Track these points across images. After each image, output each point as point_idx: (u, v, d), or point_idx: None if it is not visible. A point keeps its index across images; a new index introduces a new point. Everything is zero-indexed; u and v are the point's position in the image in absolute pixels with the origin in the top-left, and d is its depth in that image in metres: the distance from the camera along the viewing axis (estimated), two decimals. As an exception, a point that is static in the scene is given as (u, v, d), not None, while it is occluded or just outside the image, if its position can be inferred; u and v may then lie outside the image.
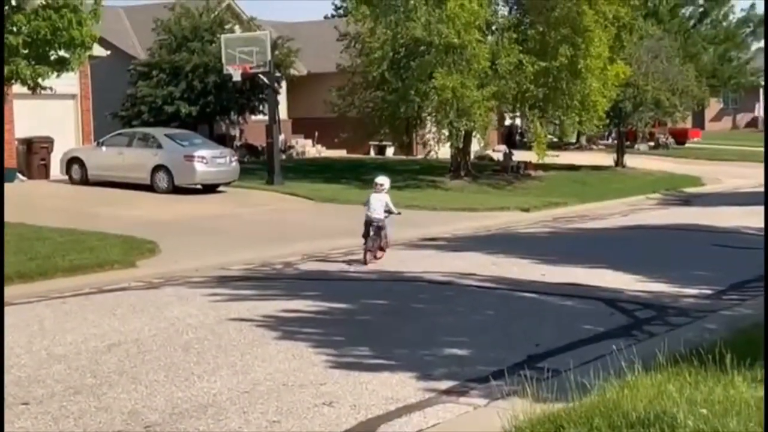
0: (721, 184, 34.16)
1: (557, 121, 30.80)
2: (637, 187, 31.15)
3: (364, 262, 14.99)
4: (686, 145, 54.21)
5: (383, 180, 15.78)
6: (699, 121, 69.41)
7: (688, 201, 28.26)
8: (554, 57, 28.36)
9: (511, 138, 46.34)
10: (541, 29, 29.35)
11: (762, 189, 31.73)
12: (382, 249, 15.52)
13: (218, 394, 7.73)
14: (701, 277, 13.53)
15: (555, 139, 37.85)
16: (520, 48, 28.60)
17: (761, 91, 71.41)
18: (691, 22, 55.13)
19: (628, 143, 44.42)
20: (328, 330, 10.13)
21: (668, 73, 37.83)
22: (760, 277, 13.39)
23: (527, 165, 34.02)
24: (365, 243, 15.16)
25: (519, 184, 31.24)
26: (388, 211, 15.48)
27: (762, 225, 19.51)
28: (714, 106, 70.66)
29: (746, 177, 36.74)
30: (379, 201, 15.40)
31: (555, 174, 33.87)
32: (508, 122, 47.83)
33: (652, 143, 50.82)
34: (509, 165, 34.28)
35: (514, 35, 29.11)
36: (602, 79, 29.55)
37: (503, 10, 31.72)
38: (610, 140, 50.45)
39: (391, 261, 15.42)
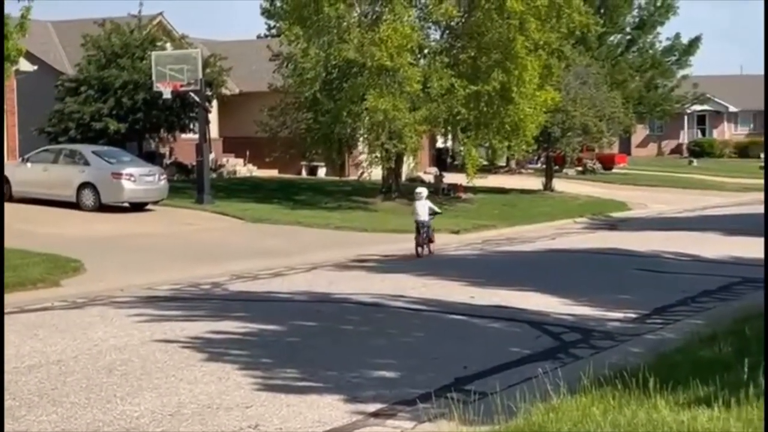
0: (645, 209, 34.81)
1: (487, 145, 31.10)
2: (564, 211, 31.59)
3: (417, 255, 19.34)
4: (613, 170, 55.14)
5: (421, 190, 20.86)
6: (625, 147, 70.77)
7: (613, 225, 28.74)
8: (486, 81, 28.69)
9: (442, 160, 46.68)
10: (472, 54, 29.70)
11: (683, 214, 32.51)
12: (431, 241, 19.81)
13: (141, 416, 7.58)
14: (626, 301, 13.73)
15: (485, 162, 38.23)
16: (452, 72, 28.89)
17: (685, 118, 73.26)
18: (619, 50, 56.25)
19: (556, 167, 45.06)
20: (256, 352, 10.03)
21: (596, 100, 38.58)
22: (682, 302, 13.71)
23: (458, 187, 34.29)
24: (417, 239, 19.60)
25: (449, 206, 31.39)
26: (433, 213, 20.09)
27: (678, 250, 20.04)
28: (640, 132, 72.25)
29: (670, 203, 37.59)
30: (423, 206, 19.91)
31: (485, 197, 34.20)
32: (439, 144, 48.20)
33: (579, 168, 51.62)
34: (440, 187, 34.50)
35: (446, 59, 29.41)
36: (532, 105, 29.96)
37: (435, 34, 32.05)
38: (539, 164, 51.08)
39: (320, 282, 15.38)
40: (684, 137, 76.24)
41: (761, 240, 22.27)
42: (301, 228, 23.95)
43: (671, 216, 32.44)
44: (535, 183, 40.77)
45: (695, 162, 65.48)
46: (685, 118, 73.71)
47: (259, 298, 13.98)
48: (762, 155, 67.95)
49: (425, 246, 19.68)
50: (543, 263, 19.04)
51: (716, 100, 73.62)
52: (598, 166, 52.78)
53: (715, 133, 77.07)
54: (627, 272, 17.27)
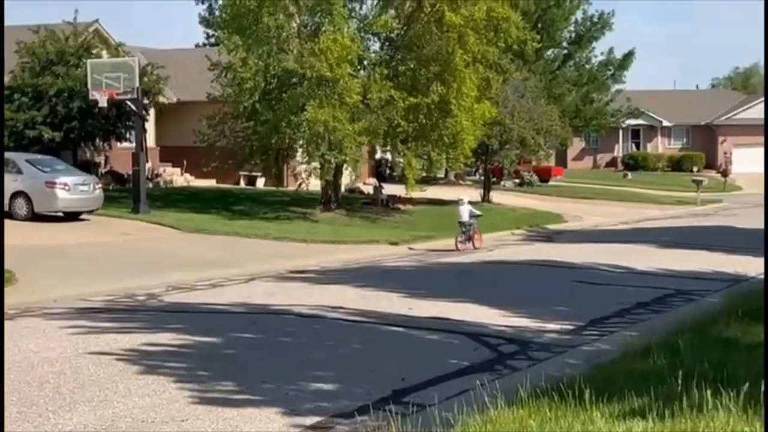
0: (581, 222, 35.29)
1: (426, 156, 31.26)
2: (502, 223, 31.83)
3: (457, 249, 23.63)
4: (549, 182, 55.84)
5: (463, 197, 25.60)
6: (562, 160, 71.70)
7: (550, 237, 29.06)
8: (425, 94, 28.84)
9: (381, 171, 46.78)
10: (412, 66, 29.84)
11: (619, 227, 33.00)
12: (471, 240, 24.14)
13: (74, 430, 7.43)
14: (563, 313, 13.86)
15: (425, 174, 38.42)
16: (392, 84, 28.97)
17: (620, 132, 74.42)
18: (556, 64, 57.00)
19: (494, 179, 45.47)
20: (192, 364, 9.91)
21: (533, 113, 39.05)
22: (618, 314, 13.89)
23: (397, 199, 34.38)
24: (457, 238, 24.00)
25: (389, 218, 31.52)
26: (474, 216, 24.61)
27: (614, 262, 20.33)
28: (576, 145, 73.23)
29: (606, 215, 38.16)
30: (466, 210, 24.46)
31: (424, 208, 34.35)
32: (379, 156, 48.30)
33: (517, 180, 52.14)
34: (379, 198, 34.59)
35: (386, 71, 29.48)
36: (470, 117, 30.17)
37: (375, 46, 32.14)
38: (477, 176, 51.51)
39: (258, 293, 15.28)
40: (619, 150, 77.49)
41: (694, 252, 22.87)
42: (239, 238, 23.77)
43: (607, 228, 32.91)
44: (474, 195, 40.98)
45: (630, 175, 66.60)
46: (620, 131, 74.89)
47: (195, 309, 13.82)
48: (695, 168, 69.36)
49: (466, 242, 24.16)
50: (481, 275, 19.15)
51: (650, 114, 75.00)
52: (535, 178, 53.38)
53: (649, 147, 78.45)
54: (564, 284, 17.45)
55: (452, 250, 23.68)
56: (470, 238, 24.28)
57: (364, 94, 28.32)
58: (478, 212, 25.30)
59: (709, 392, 6.90)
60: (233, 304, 14.24)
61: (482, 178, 43.98)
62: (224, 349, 10.88)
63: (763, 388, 6.77)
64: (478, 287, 16.78)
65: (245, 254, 21.12)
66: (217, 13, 33.35)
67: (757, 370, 7.85)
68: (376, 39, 31.65)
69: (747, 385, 6.88)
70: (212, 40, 49.61)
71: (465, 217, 24.43)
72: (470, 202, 25.61)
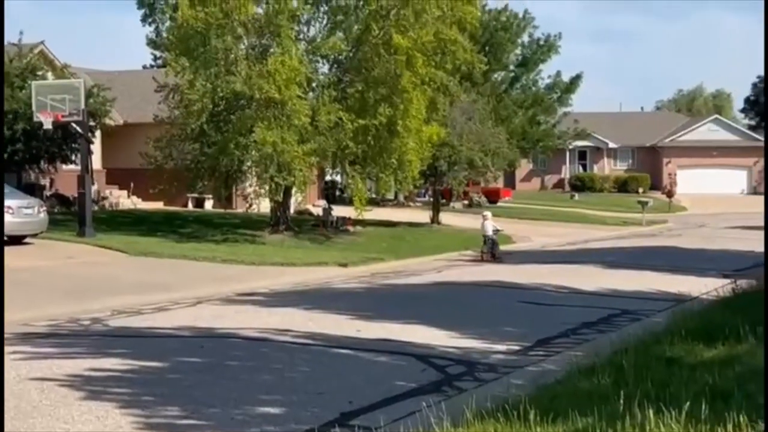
0: (529, 243, 35.58)
1: (375, 178, 31.36)
2: (451, 244, 32.00)
3: (481, 259, 27.39)
4: (498, 203, 56.29)
5: (487, 213, 29.58)
6: (510, 181, 72.42)
7: (499, 258, 29.13)
8: (373, 115, 28.95)
9: (331, 193, 46.77)
10: (360, 88, 29.93)
11: (566, 247, 33.31)
12: (492, 251, 27.67)
13: (14, 460, 7.30)
14: (510, 333, 13.95)
15: (374, 195, 38.60)
16: (340, 105, 29.05)
17: (567, 153, 75.33)
18: (503, 87, 57.64)
19: (443, 201, 45.76)
20: (137, 389, 9.78)
21: (481, 135, 39.38)
22: (563, 334, 14.01)
23: (346, 220, 34.38)
24: (482, 249, 27.88)
25: (338, 240, 31.50)
26: (496, 230, 28.29)
27: (561, 282, 20.52)
28: (524, 167, 74.10)
29: (553, 235, 38.52)
30: (490, 224, 28.03)
31: (373, 230, 34.38)
32: (328, 177, 48.31)
33: (466, 201, 52.52)
34: (328, 220, 34.57)
35: (334, 93, 29.56)
36: (418, 139, 30.34)
37: (324, 68, 32.20)
38: (426, 197, 51.76)
39: (205, 316, 15.16)
40: (566, 172, 78.43)
41: (639, 273, 23.17)
42: (186, 261, 23.57)
43: (554, 249, 33.22)
44: (423, 216, 41.23)
45: (577, 196, 67.42)
46: (567, 153, 75.86)
47: (141, 334, 13.67)
48: (641, 189, 70.39)
49: (489, 253, 27.62)
50: (430, 296, 19.20)
51: (596, 136, 76.03)
52: (483, 199, 53.84)
53: (596, 168, 79.56)
54: (511, 304, 17.57)
55: (401, 271, 23.73)
56: (492, 250, 27.76)
57: (312, 115, 28.35)
58: (499, 227, 29.23)
59: (651, 411, 6.99)
60: (180, 327, 14.11)
61: (431, 199, 44.17)
62: (170, 374, 10.76)
63: (704, 406, 6.88)
64: (426, 308, 16.81)
65: (192, 277, 20.95)
66: (164, 34, 33.14)
67: (699, 389, 7.99)
68: (324, 61, 31.73)
69: (688, 404, 6.98)
70: (159, 61, 49.32)
71: (489, 231, 28.04)
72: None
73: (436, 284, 21.29)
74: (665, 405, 7.14)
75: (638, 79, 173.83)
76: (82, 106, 27.22)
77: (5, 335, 12.59)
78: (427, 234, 35.77)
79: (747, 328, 10.77)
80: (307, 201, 34.15)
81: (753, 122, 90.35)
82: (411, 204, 52.48)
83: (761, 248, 30.26)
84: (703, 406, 6.99)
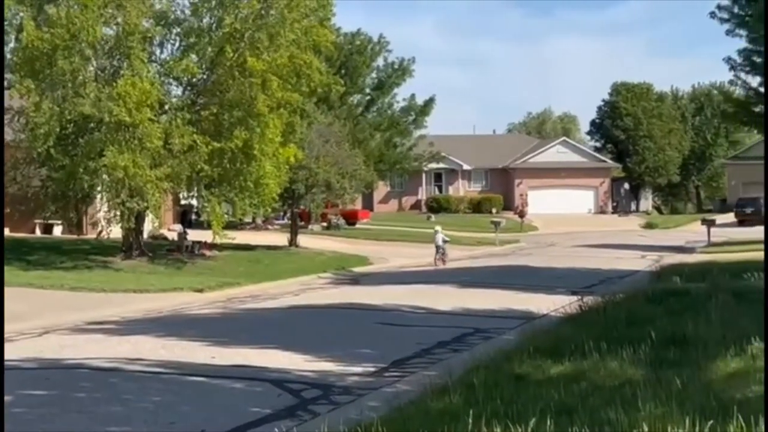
0: (386, 264, 35.94)
1: (230, 201, 31.07)
2: (309, 267, 32.00)
3: (435, 265, 33.40)
4: (356, 225, 56.67)
5: (438, 227, 36.86)
6: (368, 203, 73.04)
7: (356, 280, 29.40)
8: (228, 138, 28.70)
9: (186, 217, 46.03)
10: (215, 111, 29.65)
11: (422, 268, 33.80)
12: (443, 259, 34.09)
13: None
14: (366, 355, 14.00)
15: (231, 219, 38.24)
16: (194, 129, 28.67)
17: (424, 175, 76.61)
18: (360, 110, 58.25)
19: (302, 223, 45.74)
20: (-24, 427, 9.30)
21: (338, 157, 39.61)
22: (418, 354, 14.16)
23: (202, 244, 33.92)
24: (435, 257, 34.26)
25: (194, 264, 31.01)
26: (445, 240, 34.99)
27: (416, 303, 20.81)
28: (382, 189, 74.93)
29: (410, 256, 39.02)
30: (440, 236, 34.75)
31: (230, 254, 34.01)
32: (184, 201, 47.52)
33: (324, 224, 52.63)
34: (184, 244, 34.02)
35: (188, 115, 29.15)
36: (276, 162, 30.24)
37: (177, 90, 31.75)
38: (285, 220, 51.62)
39: (52, 347, 14.61)
40: (423, 193, 79.70)
41: (492, 291, 23.71)
42: (32, 290, 22.69)
43: (410, 270, 33.65)
44: (281, 239, 41.08)
45: (433, 217, 68.58)
46: (424, 175, 77.20)
47: (-18, 367, 13.01)
48: (494, 210, 72.17)
49: (441, 260, 34.16)
50: (287, 320, 19.10)
51: (451, 158, 77.73)
52: (342, 221, 54.08)
53: (451, 190, 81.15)
54: (368, 326, 17.65)
55: (258, 296, 23.56)
56: (443, 258, 34.18)
57: (165, 138, 27.86)
58: (447, 238, 35.97)
59: (499, 429, 7.13)
60: (24, 359, 13.53)
61: (290, 222, 44.06)
62: (13, 408, 10.28)
63: (549, 422, 7.06)
64: (283, 333, 16.71)
65: (39, 306, 20.16)
66: (8, 56, 31.95)
67: (545, 405, 8.20)
68: (178, 83, 31.29)
69: (534, 420, 7.16)
70: (4, 84, 47.47)
71: (439, 242, 34.51)
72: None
73: (294, 308, 21.21)
74: (513, 422, 7.30)
75: (491, 102, 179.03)
76: None
77: None
78: (285, 257, 35.65)
79: (591, 344, 11.15)
80: (162, 225, 33.44)
81: (598, 144, 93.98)
82: (269, 227, 52.21)
83: (606, 266, 31.69)
84: (549, 422, 7.18)
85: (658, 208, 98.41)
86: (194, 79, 30.56)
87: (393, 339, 15.92)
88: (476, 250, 44.83)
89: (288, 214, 46.71)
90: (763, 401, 7.12)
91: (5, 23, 30.79)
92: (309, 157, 36.99)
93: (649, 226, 70.34)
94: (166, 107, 30.11)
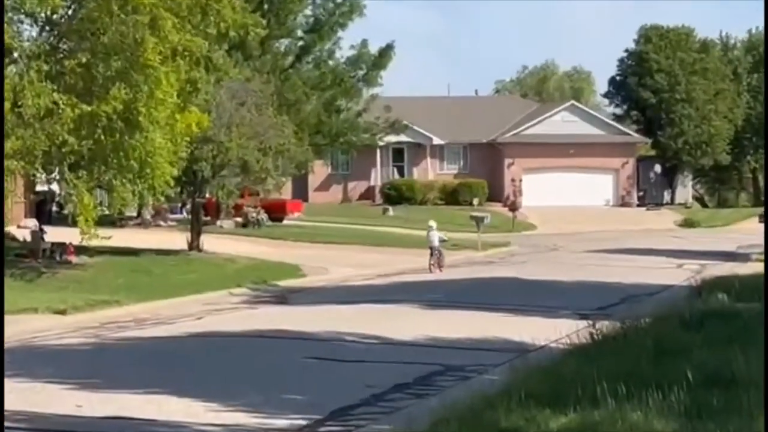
0: (326, 275, 35.91)
1: (108, 188, 30.82)
2: (217, 280, 31.87)
3: (430, 271, 36.71)
4: (284, 222, 56.53)
5: (432, 223, 39.41)
6: (301, 191, 72.89)
7: (282, 298, 29.37)
8: (103, 99, 28.44)
9: (44, 210, 45.66)
10: (84, 60, 29.34)
11: (375, 281, 33.84)
12: (440, 266, 37.29)
13: None
14: (294, 402, 14.00)
15: (107, 212, 37.96)
16: (55, 85, 28.37)
17: (378, 153, 76.53)
18: (289, 60, 57.97)
19: (207, 219, 45.51)
20: None
21: (259, 127, 39.41)
22: (368, 401, 14.19)
23: (67, 248, 33.65)
24: (430, 260, 37.30)
25: (54, 276, 30.78)
26: (442, 240, 38.56)
27: (365, 330, 20.82)
28: (320, 171, 74.69)
29: (359, 265, 39.01)
30: (435, 235, 38.12)
31: (106, 260, 33.85)
32: (40, 188, 47.08)
33: (239, 219, 52.41)
34: (40, 248, 33.76)
35: (47, 67, 28.83)
36: (170, 133, 30.04)
37: (31, 31, 31.37)
38: (184, 214, 51.35)
39: None
40: (377, 178, 79.53)
41: (471, 314, 23.83)
42: None
43: (359, 284, 33.68)
44: (178, 240, 40.84)
45: (392, 210, 68.68)
46: (378, 152, 77.04)
47: None
48: (475, 201, 72.41)
49: (437, 265, 37.22)
50: (184, 353, 19.02)
51: (417, 129, 77.55)
52: (264, 216, 53.88)
53: (416, 173, 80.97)
54: (297, 361, 17.63)
55: (144, 320, 23.43)
56: (439, 262, 37.25)
57: (14, 99, 27.59)
58: (445, 237, 39.39)
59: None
60: None
61: (190, 216, 43.83)
62: None
63: None
64: (178, 371, 16.64)
65: None
66: None
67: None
68: (31, 21, 30.94)
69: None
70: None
71: (435, 242, 37.77)
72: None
73: (195, 336, 21.14)
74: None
75: (472, 53, 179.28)
76: None
77: None
78: (183, 265, 35.47)
79: (605, 386, 11.23)
80: (9, 221, 33.15)
81: (620, 110, 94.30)
82: (162, 223, 51.94)
83: (629, 279, 31.97)
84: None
85: (700, 199, 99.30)
86: (55, 16, 30.25)
87: (333, 380, 15.93)
88: (451, 256, 44.90)
89: (188, 206, 46.47)
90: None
91: None
92: (218, 126, 36.78)
93: (688, 223, 71.05)
94: (15, 54, 29.75)
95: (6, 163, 27.48)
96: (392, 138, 71.83)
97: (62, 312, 24.11)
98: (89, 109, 28.40)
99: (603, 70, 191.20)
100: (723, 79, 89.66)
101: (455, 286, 31.67)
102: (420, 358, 17.71)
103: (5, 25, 28.30)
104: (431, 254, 37.54)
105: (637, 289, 29.05)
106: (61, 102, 28.15)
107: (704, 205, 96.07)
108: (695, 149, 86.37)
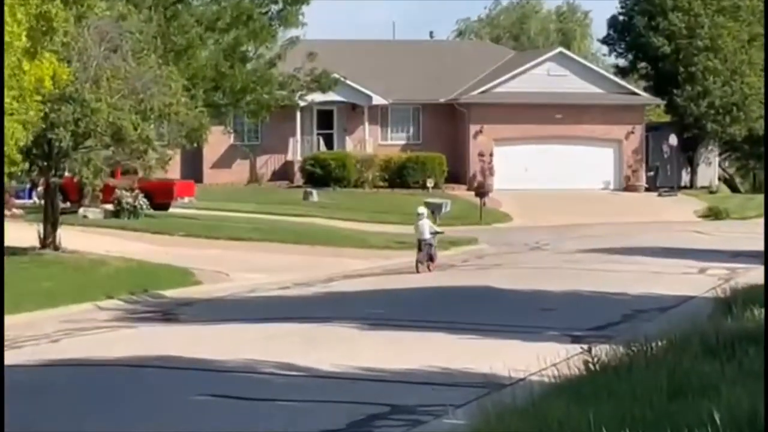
0: (227, 283, 35.87)
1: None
2: (80, 288, 31.78)
3: (417, 271, 38.02)
4: (171, 210, 56.36)
5: (422, 210, 41.49)
6: (193, 168, 72.74)
7: (171, 313, 29.34)
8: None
9: None
10: None
11: (294, 291, 33.91)
12: (431, 260, 38.97)
13: None
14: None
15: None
16: None
17: (298, 116, 76.36)
18: (178, -10, 57.83)
19: (66, 205, 45.29)
20: None
21: (137, 81, 39.25)
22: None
23: None
24: (418, 257, 38.74)
25: None
26: (434, 232, 40.05)
27: (283, 359, 20.82)
28: (220, 140, 74.16)
29: (272, 269, 39.03)
30: (426, 226, 39.53)
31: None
32: None
33: (110, 206, 52.19)
34: None
35: None
36: (17, 88, 29.92)
37: None
38: (34, 199, 51.08)
39: None
40: (296, 151, 79.34)
41: (425, 336, 23.94)
42: None
43: (272, 294, 33.67)
44: (28, 234, 40.65)
45: (316, 195, 68.57)
46: (298, 115, 76.86)
47: None
48: (430, 183, 72.58)
49: (426, 263, 38.58)
50: (35, 389, 18.97)
51: (351, 84, 77.45)
52: (142, 202, 53.64)
53: (350, 143, 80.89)
54: (189, 400, 17.64)
55: None
56: (430, 258, 38.99)
57: None
58: (438, 229, 41.68)
59: None
60: None
61: (42, 202, 43.63)
62: None
63: None
64: (27, 413, 16.56)
65: None
66: None
67: None
68: None
69: None
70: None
71: (426, 235, 39.23)
72: None
73: (49, 366, 21.14)
74: None
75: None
76: None
77: None
78: (33, 269, 35.32)
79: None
80: None
81: (623, 61, 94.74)
82: (7, 212, 51.63)
83: (636, 288, 32.17)
84: None
85: (729, 182, 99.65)
86: None
87: (237, 426, 15.94)
88: (395, 258, 44.99)
89: (40, 188, 46.22)
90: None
91: None
92: (81, 80, 36.62)
93: (713, 214, 71.22)
94: None
95: None
96: (318, 96, 71.52)
97: None
98: None
99: (601, 8, 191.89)
100: (759, 20, 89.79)
101: (404, 298, 31.75)
102: (357, 395, 17.76)
103: None
104: (419, 249, 39.04)
105: (647, 303, 29.28)
106: None
107: (735, 190, 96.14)
108: (723, 114, 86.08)
